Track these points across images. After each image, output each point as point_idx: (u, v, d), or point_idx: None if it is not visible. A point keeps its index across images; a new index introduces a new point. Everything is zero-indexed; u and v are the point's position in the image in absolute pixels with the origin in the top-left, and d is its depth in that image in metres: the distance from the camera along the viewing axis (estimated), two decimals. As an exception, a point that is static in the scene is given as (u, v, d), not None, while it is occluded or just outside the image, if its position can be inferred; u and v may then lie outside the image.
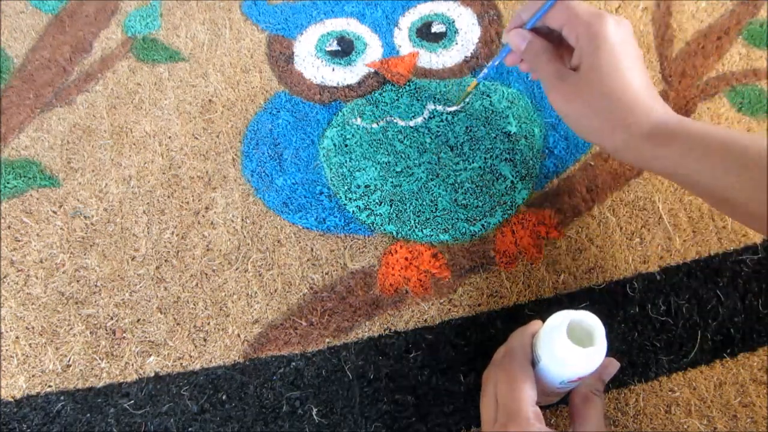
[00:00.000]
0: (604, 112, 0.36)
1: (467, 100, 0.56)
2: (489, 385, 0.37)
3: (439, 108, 0.56)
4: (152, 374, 0.45)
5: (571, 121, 0.39)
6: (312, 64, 0.59)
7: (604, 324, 0.34)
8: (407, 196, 0.52)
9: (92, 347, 0.46)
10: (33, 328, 0.47)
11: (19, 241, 0.50)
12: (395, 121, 0.55)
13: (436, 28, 0.61)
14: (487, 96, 0.56)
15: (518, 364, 0.36)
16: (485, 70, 0.47)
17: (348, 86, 0.58)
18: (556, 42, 0.40)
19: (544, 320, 0.36)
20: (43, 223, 0.51)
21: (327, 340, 0.46)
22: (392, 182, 0.52)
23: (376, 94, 0.57)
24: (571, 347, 0.33)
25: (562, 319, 0.34)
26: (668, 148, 0.35)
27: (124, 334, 0.46)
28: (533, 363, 0.36)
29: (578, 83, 0.37)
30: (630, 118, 0.36)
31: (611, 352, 0.45)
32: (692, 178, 0.35)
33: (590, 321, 0.34)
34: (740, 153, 0.32)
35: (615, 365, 0.38)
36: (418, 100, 0.56)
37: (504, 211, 0.51)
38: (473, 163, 0.53)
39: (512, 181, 0.52)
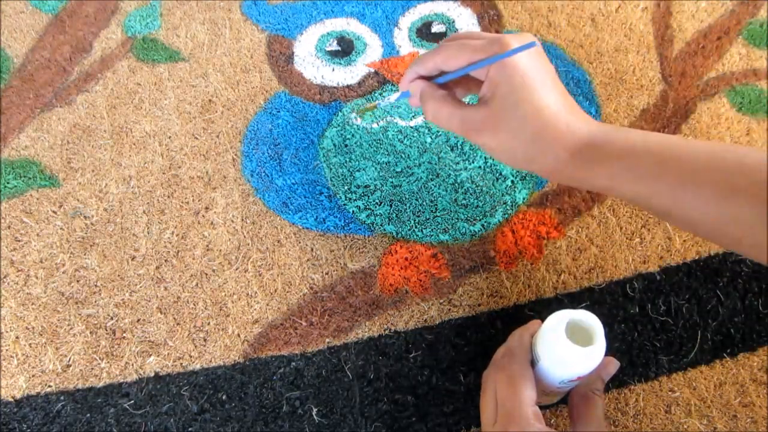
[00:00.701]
0: (528, 138, 0.35)
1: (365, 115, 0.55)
2: (489, 386, 0.37)
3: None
4: (152, 374, 0.45)
5: (500, 153, 0.37)
6: (312, 64, 0.59)
7: (604, 324, 0.34)
8: (407, 196, 0.52)
9: (92, 347, 0.46)
10: (33, 328, 0.47)
11: (19, 241, 0.50)
12: (395, 121, 0.55)
13: (436, 28, 0.61)
14: (487, 96, 0.56)
15: (518, 364, 0.36)
16: (386, 101, 0.44)
17: (348, 86, 0.58)
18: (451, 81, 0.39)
19: (544, 320, 0.36)
20: (43, 223, 0.51)
21: (327, 340, 0.46)
22: (392, 182, 0.52)
23: (376, 94, 0.57)
24: (570, 347, 0.33)
25: (561, 318, 0.34)
26: (598, 165, 0.34)
27: (124, 334, 0.46)
28: (533, 363, 0.36)
29: (495, 114, 0.35)
30: (555, 139, 0.35)
31: (611, 352, 0.45)
32: (625, 192, 0.35)
33: (589, 320, 0.34)
34: (661, 160, 0.33)
35: (615, 364, 0.38)
36: (418, 100, 0.56)
37: (504, 211, 0.51)
38: (473, 162, 0.53)
39: (512, 181, 0.52)
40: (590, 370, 0.34)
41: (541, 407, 0.37)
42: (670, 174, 0.32)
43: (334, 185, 0.52)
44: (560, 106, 0.35)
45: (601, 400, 0.36)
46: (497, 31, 0.61)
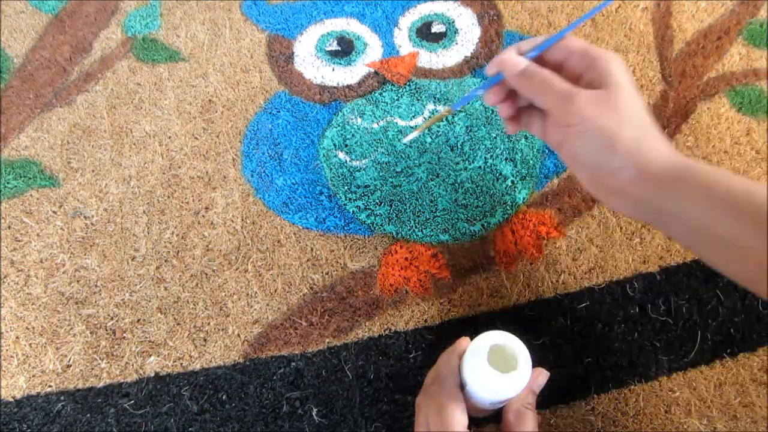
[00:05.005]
0: (635, 124, 0.34)
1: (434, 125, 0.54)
2: (421, 413, 0.36)
3: (440, 108, 0.56)
4: (152, 374, 0.45)
5: (598, 135, 0.35)
6: (312, 64, 0.59)
7: (532, 344, 0.35)
8: (407, 196, 0.52)
9: (92, 347, 0.46)
10: (33, 328, 0.47)
11: (19, 241, 0.50)
12: (395, 121, 0.55)
13: (436, 28, 0.61)
14: (487, 96, 0.56)
15: (446, 390, 0.35)
16: (465, 98, 0.42)
17: (348, 86, 0.58)
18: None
19: (474, 338, 0.36)
20: (43, 223, 0.51)
21: (327, 340, 0.46)
22: (392, 182, 0.52)
23: (376, 94, 0.57)
24: (492, 374, 0.33)
25: (483, 344, 0.35)
26: (677, 182, 0.33)
27: (124, 334, 0.46)
28: (462, 385, 0.36)
29: (607, 95, 0.34)
30: (654, 139, 0.34)
31: (611, 353, 0.45)
32: (692, 219, 0.33)
33: (513, 345, 0.35)
34: (744, 197, 0.31)
35: (545, 375, 0.38)
36: (418, 100, 0.56)
37: (504, 211, 0.51)
38: (473, 163, 0.53)
39: (512, 181, 0.52)
40: (515, 394, 0.35)
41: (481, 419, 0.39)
42: (747, 213, 0.31)
43: (334, 185, 0.52)
44: (652, 118, 0.35)
45: (534, 414, 0.36)
46: (497, 32, 0.61)
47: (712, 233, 0.33)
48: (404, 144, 0.53)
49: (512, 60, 0.37)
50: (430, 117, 0.55)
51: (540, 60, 0.39)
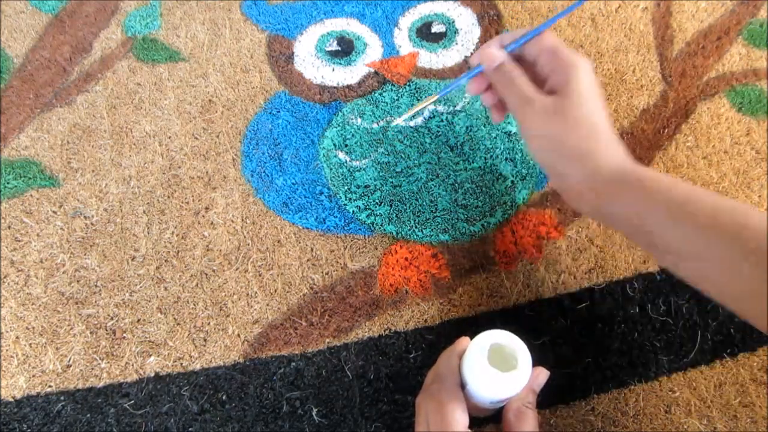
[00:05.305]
0: (583, 135, 0.35)
1: (422, 111, 0.52)
2: (421, 412, 0.36)
3: (440, 108, 0.56)
4: (152, 374, 0.45)
5: (547, 143, 0.37)
6: (312, 64, 0.59)
7: (530, 345, 0.35)
8: (407, 196, 0.52)
9: (92, 347, 0.46)
10: (33, 328, 0.47)
11: (19, 241, 0.50)
12: (395, 121, 0.55)
13: (436, 28, 0.61)
14: (487, 96, 0.56)
15: (446, 390, 0.35)
16: (449, 86, 0.43)
17: (348, 86, 0.58)
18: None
19: (473, 337, 0.36)
20: (43, 223, 0.51)
21: (327, 340, 0.46)
22: (392, 182, 0.52)
23: (376, 94, 0.57)
24: (491, 373, 0.33)
25: (483, 343, 0.35)
26: (625, 187, 0.35)
27: (124, 334, 0.46)
28: (462, 385, 0.36)
29: (561, 103, 0.36)
30: (601, 147, 0.35)
31: (611, 353, 0.45)
32: (635, 221, 0.35)
33: (513, 344, 0.35)
34: (684, 201, 0.33)
35: (545, 374, 0.38)
36: (418, 100, 0.56)
37: (504, 211, 0.51)
38: (473, 163, 0.53)
39: (512, 181, 0.52)
40: (515, 393, 0.35)
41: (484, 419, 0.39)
42: (688, 216, 0.32)
43: (334, 185, 0.52)
44: (609, 124, 0.37)
45: (534, 413, 0.36)
46: (497, 32, 0.61)
47: (657, 238, 0.34)
48: (396, 126, 0.52)
49: (492, 54, 0.39)
50: (430, 117, 0.55)
51: (520, 55, 0.40)
